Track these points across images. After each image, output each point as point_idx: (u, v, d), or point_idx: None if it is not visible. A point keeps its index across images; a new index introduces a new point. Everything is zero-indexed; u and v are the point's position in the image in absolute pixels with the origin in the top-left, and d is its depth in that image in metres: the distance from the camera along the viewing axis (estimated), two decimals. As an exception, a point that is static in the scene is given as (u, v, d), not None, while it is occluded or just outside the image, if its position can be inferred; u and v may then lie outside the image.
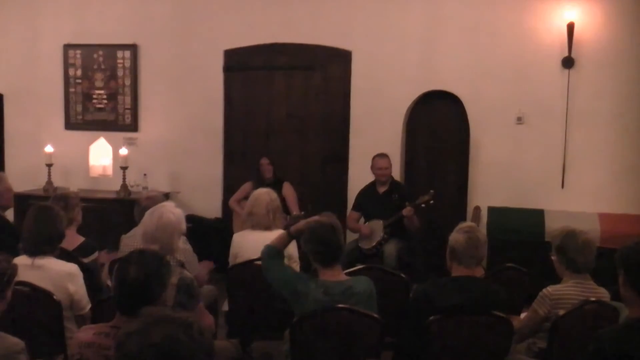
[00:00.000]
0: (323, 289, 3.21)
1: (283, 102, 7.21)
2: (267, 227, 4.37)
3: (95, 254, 4.20)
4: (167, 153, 7.41)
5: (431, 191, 5.80)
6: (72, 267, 3.53)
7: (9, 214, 5.23)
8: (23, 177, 6.93)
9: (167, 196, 6.88)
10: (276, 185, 6.00)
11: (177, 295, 3.13)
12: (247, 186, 6.46)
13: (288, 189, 6.36)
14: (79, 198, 4.54)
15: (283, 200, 5.75)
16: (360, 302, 3.20)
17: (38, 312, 3.30)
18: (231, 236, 4.59)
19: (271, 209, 4.42)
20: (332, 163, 7.12)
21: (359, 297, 3.22)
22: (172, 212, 3.50)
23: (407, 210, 5.76)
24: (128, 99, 7.52)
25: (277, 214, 4.50)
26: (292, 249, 4.29)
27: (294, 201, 6.31)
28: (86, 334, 2.48)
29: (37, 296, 3.29)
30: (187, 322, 1.67)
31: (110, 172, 7.54)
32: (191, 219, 6.51)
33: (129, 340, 1.65)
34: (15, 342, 2.66)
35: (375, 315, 3.18)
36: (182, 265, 3.85)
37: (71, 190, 5.00)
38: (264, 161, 6.57)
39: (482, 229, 5.85)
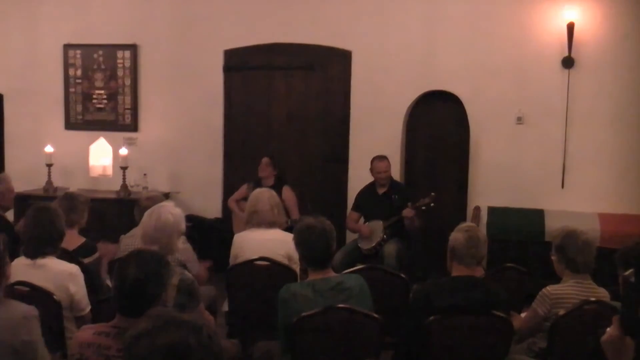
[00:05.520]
0: (311, 287, 3.21)
1: (283, 102, 7.21)
2: (272, 224, 4.37)
3: (96, 255, 4.20)
4: (167, 153, 7.41)
5: (432, 194, 5.80)
6: (73, 268, 3.53)
7: (9, 214, 5.25)
8: (23, 177, 6.92)
9: (167, 196, 6.87)
10: (276, 189, 5.84)
11: (177, 296, 3.13)
12: (246, 187, 6.44)
13: (288, 193, 6.29)
14: (88, 200, 4.52)
15: (282, 203, 5.73)
16: (352, 297, 3.21)
17: (38, 312, 3.30)
18: (231, 236, 4.59)
19: (274, 203, 4.45)
20: (332, 163, 7.12)
21: (350, 292, 3.22)
22: (170, 213, 3.50)
23: (407, 212, 5.76)
24: (128, 99, 7.52)
25: (280, 209, 4.52)
26: (292, 250, 4.29)
27: (294, 205, 6.27)
28: (86, 333, 2.48)
29: (37, 296, 3.28)
30: (197, 326, 1.65)
31: (110, 172, 7.54)
32: (191, 219, 6.50)
33: (137, 342, 1.64)
34: (30, 308, 2.73)
35: (375, 315, 3.18)
36: (183, 265, 3.86)
37: (80, 193, 4.97)
38: (265, 160, 6.43)
39: (482, 229, 5.86)
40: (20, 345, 2.65)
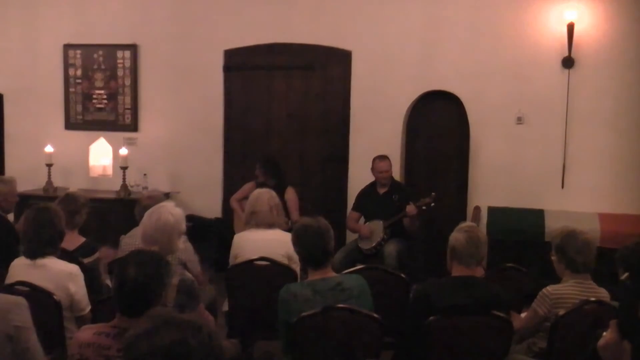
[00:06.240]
0: (311, 287, 3.22)
1: (283, 102, 7.21)
2: (271, 225, 4.37)
3: (96, 255, 4.20)
4: (167, 153, 7.41)
5: (432, 194, 5.80)
6: (74, 268, 3.54)
7: (9, 215, 5.25)
8: (23, 177, 6.88)
9: (167, 196, 6.88)
10: (279, 190, 5.61)
11: (177, 296, 3.13)
12: (248, 186, 6.43)
13: (291, 194, 6.27)
14: (87, 201, 4.53)
15: (284, 204, 5.72)
16: (352, 297, 3.21)
17: (38, 312, 3.30)
18: (231, 236, 4.59)
19: (273, 205, 4.44)
20: (332, 163, 7.12)
21: (350, 293, 3.23)
22: (170, 213, 3.49)
23: (410, 208, 5.74)
24: (128, 99, 7.52)
25: (279, 210, 4.51)
26: (292, 250, 4.29)
27: (295, 207, 6.24)
28: (86, 333, 2.47)
29: (37, 296, 3.29)
30: (196, 326, 1.66)
31: (110, 172, 7.55)
32: (191, 219, 6.51)
33: (137, 342, 1.64)
34: (18, 297, 2.82)
35: (375, 315, 3.18)
36: (184, 264, 3.86)
37: (80, 194, 4.98)
38: (257, 166, 6.44)
39: (482, 229, 5.86)
40: (13, 331, 2.68)
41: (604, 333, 2.00)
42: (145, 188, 7.10)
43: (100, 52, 7.52)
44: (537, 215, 6.26)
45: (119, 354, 2.32)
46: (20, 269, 3.51)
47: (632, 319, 1.93)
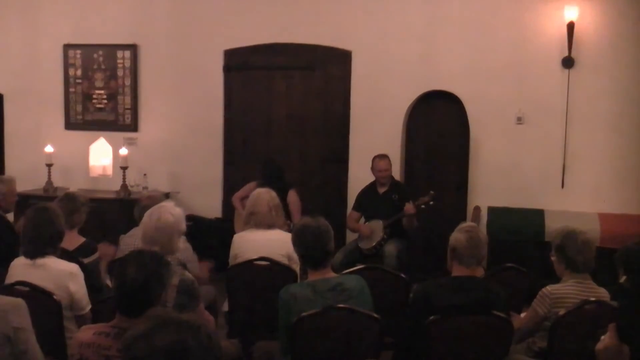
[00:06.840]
0: (311, 288, 3.22)
1: (283, 102, 7.21)
2: (270, 225, 4.37)
3: (96, 255, 4.20)
4: (167, 153, 7.41)
5: (431, 192, 5.80)
6: (74, 267, 3.53)
7: (9, 215, 5.25)
8: (23, 177, 6.89)
9: (167, 196, 6.88)
10: (281, 192, 5.46)
11: (177, 296, 3.13)
12: (251, 185, 6.41)
13: (293, 196, 6.24)
14: (87, 201, 4.53)
15: (286, 206, 5.71)
16: (352, 297, 3.21)
17: (38, 312, 3.30)
18: (232, 236, 4.58)
19: (272, 205, 4.43)
20: (332, 163, 7.12)
21: (350, 293, 3.22)
22: (170, 213, 3.49)
23: (409, 207, 5.75)
24: (128, 99, 7.52)
25: (279, 211, 4.49)
26: (292, 250, 4.28)
27: (297, 209, 6.22)
28: (86, 334, 2.48)
29: (37, 296, 3.29)
30: (195, 326, 1.66)
31: (110, 172, 7.55)
32: (191, 218, 6.50)
33: (135, 343, 1.64)
34: (17, 298, 2.82)
35: (375, 315, 3.18)
36: (183, 265, 3.85)
37: (80, 193, 4.98)
38: (259, 169, 6.47)
39: (482, 229, 5.85)
40: (12, 332, 2.68)
41: (603, 336, 1.99)
42: (145, 188, 7.10)
43: (100, 52, 7.52)
44: (537, 215, 6.26)
45: (119, 354, 2.32)
46: (20, 268, 3.51)
47: (632, 322, 1.93)
